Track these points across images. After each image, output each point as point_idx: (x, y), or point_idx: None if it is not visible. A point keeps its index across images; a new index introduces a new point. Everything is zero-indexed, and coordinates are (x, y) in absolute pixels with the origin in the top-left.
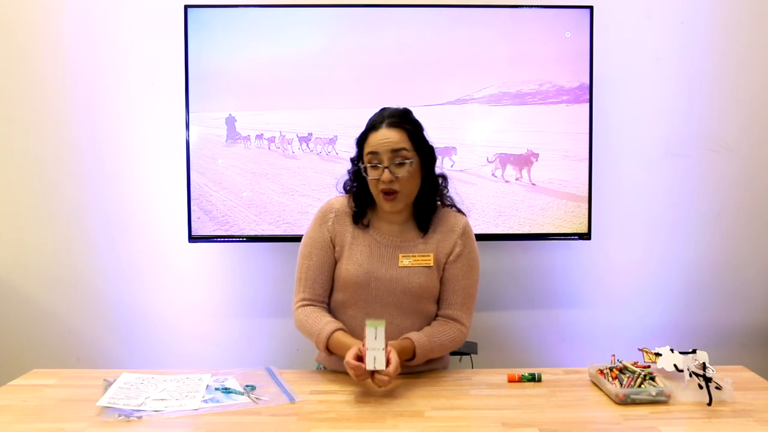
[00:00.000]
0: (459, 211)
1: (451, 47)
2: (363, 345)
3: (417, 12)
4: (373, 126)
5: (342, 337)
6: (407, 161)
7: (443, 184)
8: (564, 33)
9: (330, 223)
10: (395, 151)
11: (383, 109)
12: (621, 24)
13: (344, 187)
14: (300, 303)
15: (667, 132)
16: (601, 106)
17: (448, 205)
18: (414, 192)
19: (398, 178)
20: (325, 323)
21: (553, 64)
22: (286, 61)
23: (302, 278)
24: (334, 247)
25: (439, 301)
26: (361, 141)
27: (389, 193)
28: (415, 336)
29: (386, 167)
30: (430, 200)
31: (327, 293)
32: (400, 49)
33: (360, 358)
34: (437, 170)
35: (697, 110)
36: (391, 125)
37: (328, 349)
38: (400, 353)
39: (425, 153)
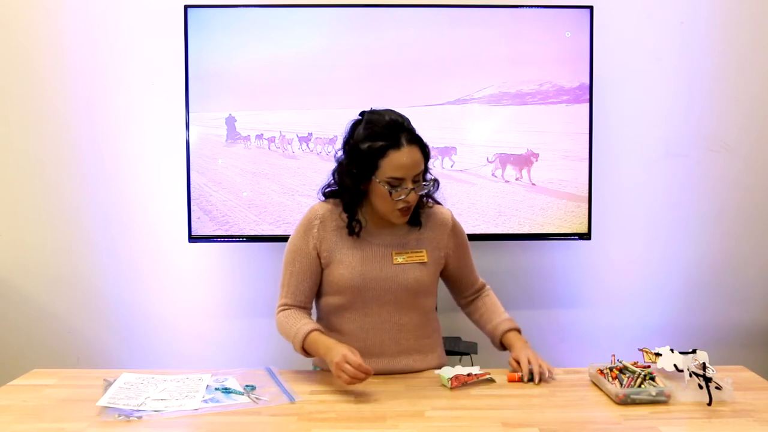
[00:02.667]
0: (436, 201)
1: (451, 47)
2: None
3: (417, 12)
4: (393, 143)
5: (318, 336)
6: (420, 179)
7: (434, 188)
8: (564, 33)
9: (315, 230)
10: (418, 173)
11: (394, 121)
12: (621, 24)
13: (324, 193)
14: (281, 308)
15: (667, 132)
16: (601, 106)
17: (425, 196)
18: None
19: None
20: (303, 324)
21: (553, 64)
22: (286, 61)
23: (285, 284)
24: (319, 256)
25: (456, 288)
26: (377, 155)
27: (409, 209)
28: (506, 324)
29: (412, 189)
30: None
31: (310, 300)
32: (400, 49)
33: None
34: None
35: (697, 110)
36: (411, 141)
37: (304, 350)
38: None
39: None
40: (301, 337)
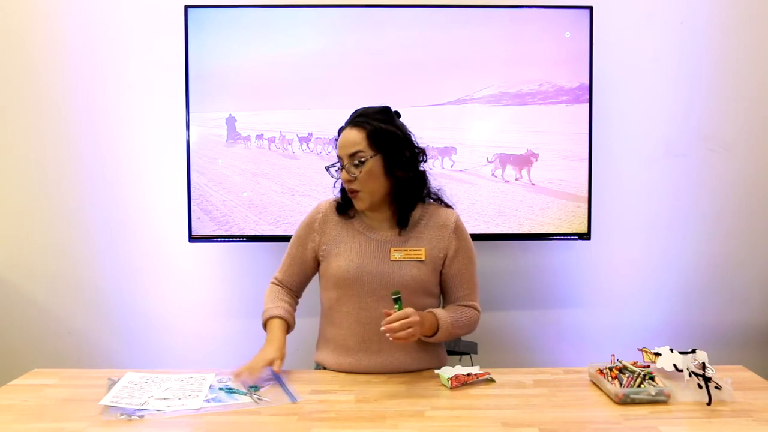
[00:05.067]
0: (446, 205)
1: (451, 47)
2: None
3: (417, 12)
4: (342, 128)
5: (273, 324)
6: (362, 161)
7: (422, 181)
8: (564, 33)
9: (317, 224)
10: (352, 152)
11: (357, 110)
12: (621, 24)
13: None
14: (273, 281)
15: (667, 132)
16: (601, 106)
17: (434, 200)
18: (377, 190)
19: (356, 178)
20: (276, 306)
21: (553, 64)
22: (286, 61)
23: (284, 262)
24: (316, 254)
25: (446, 296)
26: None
27: (352, 192)
28: (437, 311)
29: (343, 167)
30: (405, 197)
31: (297, 285)
32: (400, 49)
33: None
34: (423, 167)
35: (697, 110)
36: (354, 124)
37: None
38: (423, 327)
39: (389, 150)
40: (265, 318)
